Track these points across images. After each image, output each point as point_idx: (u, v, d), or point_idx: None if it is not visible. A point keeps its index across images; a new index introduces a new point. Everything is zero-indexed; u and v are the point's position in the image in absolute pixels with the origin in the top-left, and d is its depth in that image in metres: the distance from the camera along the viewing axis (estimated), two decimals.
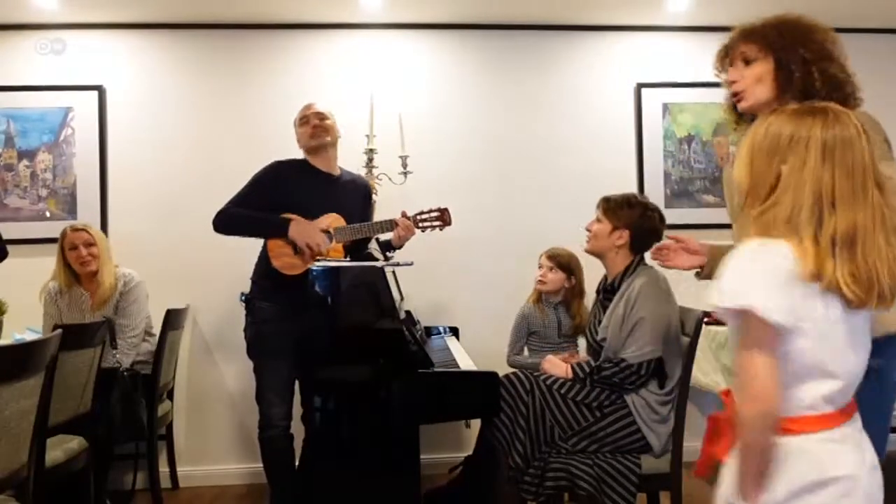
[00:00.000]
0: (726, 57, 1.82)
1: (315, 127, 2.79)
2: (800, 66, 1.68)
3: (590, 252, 2.53)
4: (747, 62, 1.76)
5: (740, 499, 1.16)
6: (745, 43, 1.77)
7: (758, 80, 1.72)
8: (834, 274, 1.11)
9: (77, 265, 3.06)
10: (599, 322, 2.46)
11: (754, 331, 1.12)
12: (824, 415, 1.16)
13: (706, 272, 1.92)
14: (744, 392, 1.13)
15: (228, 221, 2.73)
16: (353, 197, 2.88)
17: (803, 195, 1.14)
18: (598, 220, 2.49)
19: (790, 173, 1.16)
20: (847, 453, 1.16)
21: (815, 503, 1.12)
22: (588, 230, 2.52)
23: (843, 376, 1.17)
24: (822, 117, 1.18)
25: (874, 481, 1.18)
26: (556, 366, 2.47)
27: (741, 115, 1.83)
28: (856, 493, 1.14)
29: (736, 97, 1.77)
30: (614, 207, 2.47)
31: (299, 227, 2.64)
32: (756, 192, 1.20)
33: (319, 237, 2.63)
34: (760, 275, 1.12)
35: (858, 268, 1.12)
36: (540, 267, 2.99)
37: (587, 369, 2.35)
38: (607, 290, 2.49)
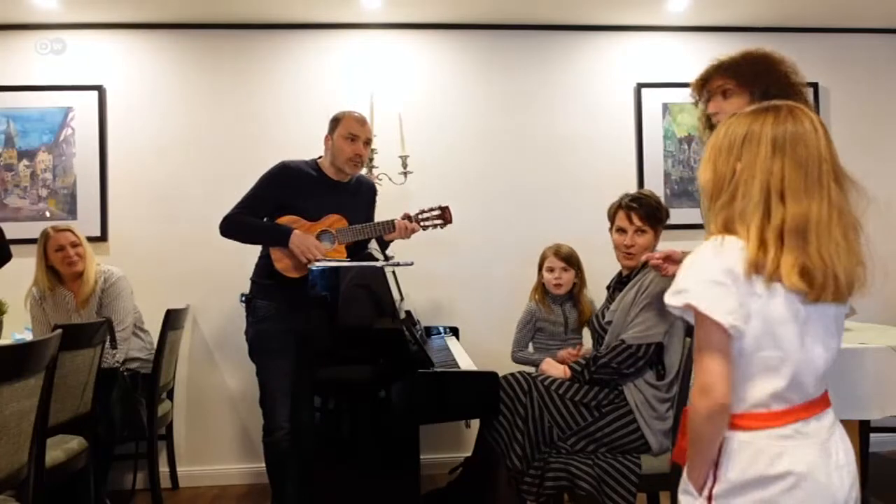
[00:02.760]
0: (703, 87, 1.98)
1: (360, 156, 2.73)
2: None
3: (631, 269, 2.46)
4: (725, 95, 1.92)
5: (690, 486, 1.21)
6: (723, 77, 1.93)
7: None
8: (776, 266, 1.13)
9: (63, 266, 3.04)
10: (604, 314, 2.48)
11: (705, 329, 1.15)
12: (773, 412, 1.18)
13: None
14: (696, 385, 1.17)
15: (233, 228, 2.70)
16: (358, 199, 2.87)
17: (753, 188, 1.17)
18: (643, 231, 2.43)
19: (744, 169, 1.19)
20: (799, 449, 1.17)
21: (760, 497, 1.15)
22: (634, 246, 2.44)
23: (796, 373, 1.18)
24: (775, 114, 1.21)
25: (837, 481, 1.18)
26: (553, 367, 2.48)
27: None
28: (805, 490, 1.15)
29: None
30: (654, 212, 2.45)
31: (298, 240, 2.62)
32: (718, 192, 1.23)
33: (316, 250, 2.62)
34: (710, 274, 1.15)
35: (811, 260, 1.14)
36: (550, 270, 2.94)
37: (583, 363, 2.36)
38: (621, 283, 2.49)
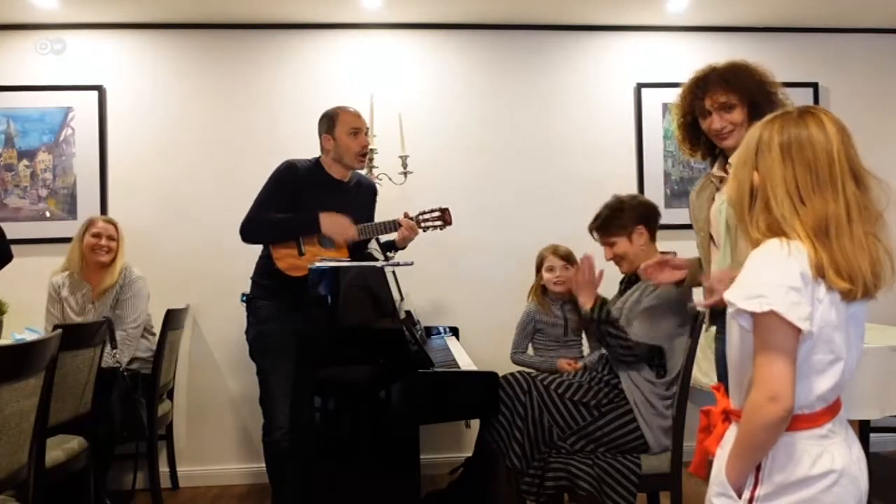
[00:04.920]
0: (703, 99, 2.00)
1: (365, 148, 2.74)
2: (763, 112, 1.90)
3: (629, 272, 2.48)
4: (730, 110, 1.97)
5: (730, 490, 1.20)
6: (726, 92, 1.96)
7: (740, 124, 1.96)
8: (823, 267, 1.15)
9: (89, 252, 3.13)
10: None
11: (777, 333, 1.13)
12: (815, 412, 1.19)
13: (686, 283, 2.20)
14: (763, 391, 1.14)
15: (256, 229, 2.70)
16: (361, 200, 2.87)
17: (780, 195, 1.19)
18: (612, 244, 2.46)
19: (764, 177, 1.21)
20: (835, 447, 1.19)
21: (803, 497, 1.16)
22: (613, 259, 2.48)
23: (840, 375, 1.20)
24: (782, 121, 1.23)
25: (862, 473, 1.22)
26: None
27: (694, 145, 2.11)
28: (842, 486, 1.17)
29: (724, 137, 2.00)
30: (610, 221, 2.46)
31: (329, 221, 2.63)
32: (740, 201, 1.25)
33: (352, 229, 2.65)
34: (787, 279, 1.14)
35: (836, 258, 1.15)
36: (550, 269, 2.95)
37: (604, 316, 2.32)
38: (630, 281, 2.50)
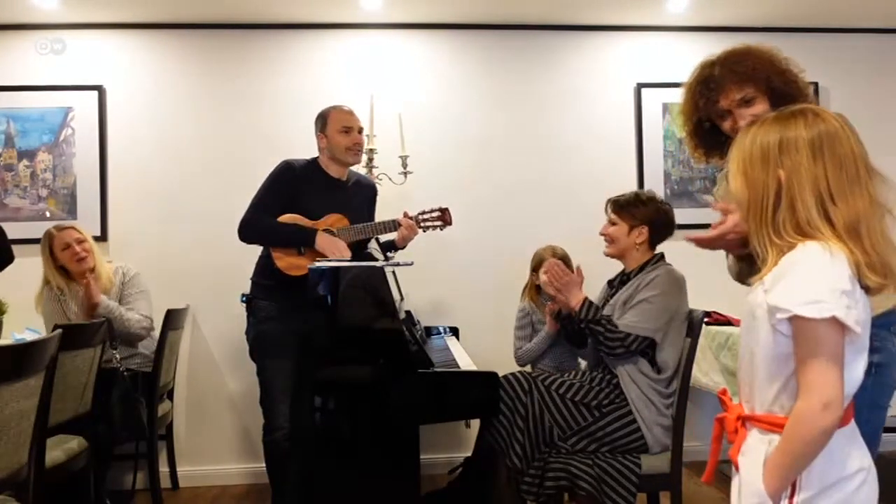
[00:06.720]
0: (717, 102, 1.83)
1: (358, 145, 2.77)
2: (784, 98, 1.76)
3: (611, 255, 2.52)
4: (747, 103, 1.80)
5: (769, 501, 1.15)
6: (740, 86, 1.79)
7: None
8: (859, 265, 1.13)
9: (73, 263, 3.04)
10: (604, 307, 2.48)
11: (831, 339, 1.11)
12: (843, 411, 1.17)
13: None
14: (817, 399, 1.10)
15: (254, 232, 2.71)
16: (360, 200, 2.88)
17: (806, 196, 1.16)
18: (613, 223, 2.50)
19: (790, 177, 1.18)
20: (858, 441, 1.18)
21: (839, 498, 1.15)
22: (604, 235, 2.52)
23: (861, 372, 1.18)
24: (803, 118, 1.20)
25: (875, 469, 1.21)
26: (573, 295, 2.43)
27: (710, 150, 1.94)
28: (869, 483, 1.17)
29: None
30: (627, 206, 2.48)
31: (325, 241, 2.64)
32: (757, 202, 1.21)
33: (346, 252, 2.65)
34: (840, 283, 1.11)
35: (869, 254, 1.13)
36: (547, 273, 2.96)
37: (591, 314, 2.35)
38: (622, 281, 2.50)
